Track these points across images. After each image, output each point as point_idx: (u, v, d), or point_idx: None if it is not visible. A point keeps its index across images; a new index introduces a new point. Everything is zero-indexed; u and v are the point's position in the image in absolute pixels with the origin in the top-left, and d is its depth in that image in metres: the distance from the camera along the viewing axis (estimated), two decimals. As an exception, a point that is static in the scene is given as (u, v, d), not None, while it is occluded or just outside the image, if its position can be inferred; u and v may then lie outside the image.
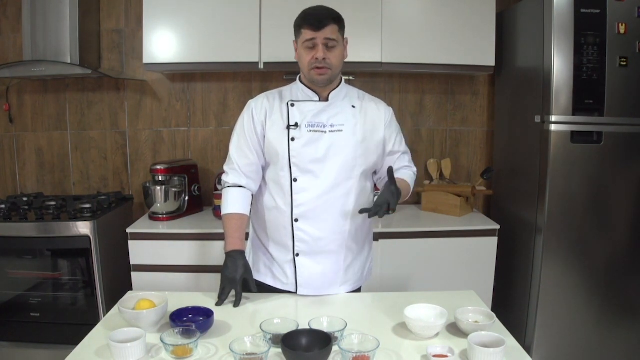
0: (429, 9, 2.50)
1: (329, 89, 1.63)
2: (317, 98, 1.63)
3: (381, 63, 2.48)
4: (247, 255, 1.76)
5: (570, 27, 2.18)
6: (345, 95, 1.66)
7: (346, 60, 1.64)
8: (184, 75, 2.80)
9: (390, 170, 1.50)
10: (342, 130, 1.59)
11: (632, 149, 2.28)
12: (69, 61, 2.49)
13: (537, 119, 2.32)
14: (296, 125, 1.59)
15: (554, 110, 2.23)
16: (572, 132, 2.24)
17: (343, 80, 1.68)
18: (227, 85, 2.83)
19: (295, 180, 1.59)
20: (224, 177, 1.68)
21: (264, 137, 1.63)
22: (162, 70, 2.61)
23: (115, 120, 2.85)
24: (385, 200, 1.46)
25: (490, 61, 2.53)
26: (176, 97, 2.85)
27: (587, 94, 2.22)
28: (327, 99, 1.63)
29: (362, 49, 2.42)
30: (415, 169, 1.78)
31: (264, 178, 1.68)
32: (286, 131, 1.59)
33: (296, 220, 1.60)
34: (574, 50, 2.19)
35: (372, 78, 2.85)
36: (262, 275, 1.70)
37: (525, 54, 2.50)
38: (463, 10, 2.49)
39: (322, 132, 1.58)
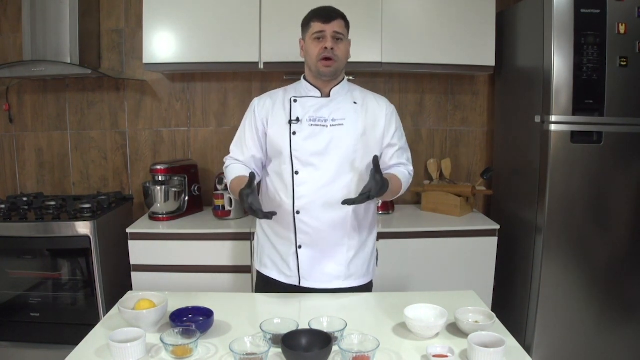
0: (429, 9, 2.50)
1: (331, 85, 1.67)
2: (319, 94, 1.67)
3: (381, 63, 2.48)
4: (253, 249, 1.85)
5: (570, 27, 2.18)
6: (347, 91, 1.71)
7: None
8: (184, 75, 2.80)
9: (375, 159, 1.49)
10: (342, 125, 1.63)
11: (632, 149, 2.27)
12: (69, 61, 2.49)
13: (537, 119, 2.32)
14: (298, 120, 1.63)
15: (554, 110, 2.22)
16: (572, 132, 2.24)
17: (346, 78, 1.73)
18: (227, 85, 2.83)
19: (297, 173, 1.62)
20: (224, 166, 1.76)
21: (266, 134, 1.68)
22: (162, 70, 2.61)
23: (115, 120, 2.85)
24: (368, 188, 1.47)
25: (490, 61, 2.53)
26: (176, 97, 2.84)
27: (587, 94, 2.22)
28: (329, 95, 1.67)
29: (362, 49, 2.41)
30: (411, 168, 1.77)
31: (267, 173, 1.72)
32: (288, 126, 1.63)
33: (297, 213, 1.63)
34: (574, 50, 2.19)
35: (372, 78, 2.84)
36: (267, 269, 1.75)
37: (525, 54, 2.50)
38: (463, 10, 2.48)
39: (324, 126, 1.62)
